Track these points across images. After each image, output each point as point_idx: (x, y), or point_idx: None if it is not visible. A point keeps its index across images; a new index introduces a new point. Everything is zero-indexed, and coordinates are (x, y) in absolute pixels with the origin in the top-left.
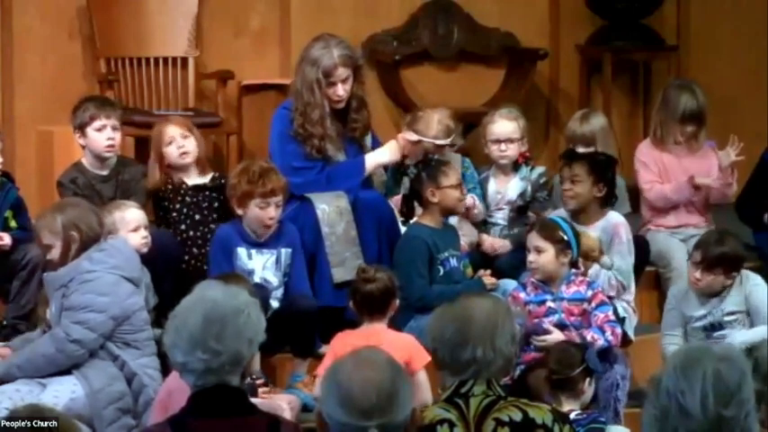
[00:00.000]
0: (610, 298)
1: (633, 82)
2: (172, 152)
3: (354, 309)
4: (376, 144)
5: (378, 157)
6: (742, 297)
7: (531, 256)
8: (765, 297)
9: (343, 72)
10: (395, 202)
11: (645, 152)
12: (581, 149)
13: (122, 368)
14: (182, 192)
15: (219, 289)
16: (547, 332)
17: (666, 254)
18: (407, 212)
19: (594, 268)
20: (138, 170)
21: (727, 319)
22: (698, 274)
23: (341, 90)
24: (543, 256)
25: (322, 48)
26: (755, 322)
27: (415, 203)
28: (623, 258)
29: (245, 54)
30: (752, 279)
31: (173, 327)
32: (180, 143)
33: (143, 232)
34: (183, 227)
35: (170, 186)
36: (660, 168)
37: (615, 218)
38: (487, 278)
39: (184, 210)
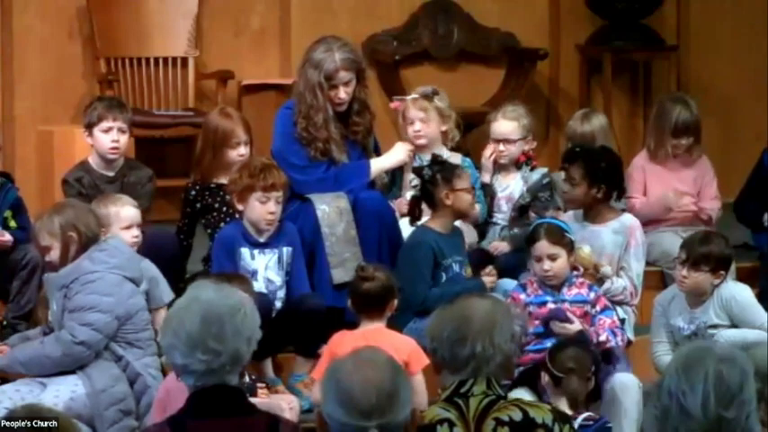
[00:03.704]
0: (619, 303)
1: (633, 82)
2: (233, 156)
3: (353, 308)
4: (375, 147)
5: (383, 162)
6: (723, 309)
7: (546, 265)
8: (747, 304)
9: (345, 75)
10: (396, 204)
11: (636, 164)
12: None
13: (126, 369)
14: (221, 192)
15: (212, 289)
16: (568, 320)
17: (672, 253)
18: (416, 215)
19: (606, 284)
20: (145, 174)
21: (710, 332)
22: (684, 272)
23: (342, 93)
24: (559, 262)
25: (324, 51)
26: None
27: (421, 206)
28: (638, 261)
29: (245, 54)
30: (730, 288)
31: (169, 329)
32: (242, 151)
33: (135, 231)
34: (222, 225)
35: (210, 186)
36: (648, 181)
37: (630, 220)
38: (487, 277)
39: (224, 208)
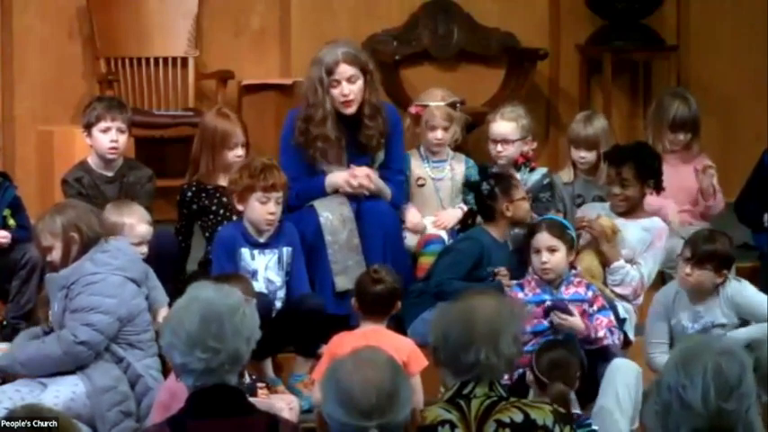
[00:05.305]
0: (623, 298)
1: (633, 82)
2: (231, 157)
3: (357, 307)
4: (394, 154)
5: (333, 179)
6: (730, 307)
7: (545, 257)
8: (754, 295)
9: (346, 69)
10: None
11: None
12: (584, 152)
13: (127, 370)
14: (218, 194)
15: (212, 289)
16: (569, 312)
17: (673, 253)
18: (469, 224)
19: (621, 262)
20: (145, 173)
21: (716, 332)
22: (688, 269)
23: (346, 89)
24: (557, 255)
25: (328, 48)
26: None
27: (475, 219)
28: (655, 262)
29: (245, 54)
30: (734, 286)
31: (169, 328)
32: (239, 152)
33: (143, 248)
34: (219, 228)
35: (207, 188)
36: None
37: (660, 223)
38: (501, 276)
39: (221, 211)
